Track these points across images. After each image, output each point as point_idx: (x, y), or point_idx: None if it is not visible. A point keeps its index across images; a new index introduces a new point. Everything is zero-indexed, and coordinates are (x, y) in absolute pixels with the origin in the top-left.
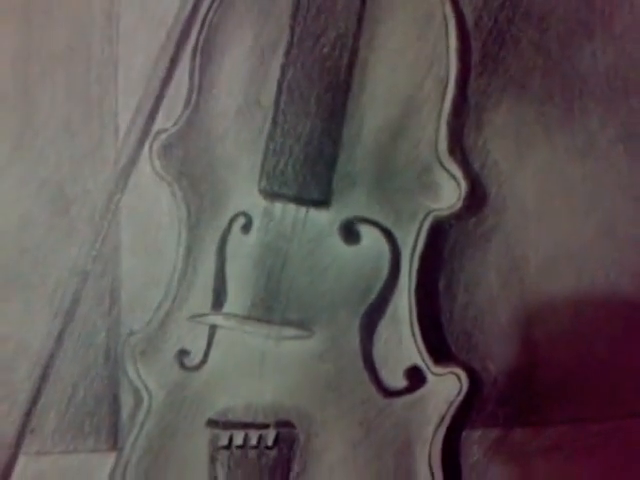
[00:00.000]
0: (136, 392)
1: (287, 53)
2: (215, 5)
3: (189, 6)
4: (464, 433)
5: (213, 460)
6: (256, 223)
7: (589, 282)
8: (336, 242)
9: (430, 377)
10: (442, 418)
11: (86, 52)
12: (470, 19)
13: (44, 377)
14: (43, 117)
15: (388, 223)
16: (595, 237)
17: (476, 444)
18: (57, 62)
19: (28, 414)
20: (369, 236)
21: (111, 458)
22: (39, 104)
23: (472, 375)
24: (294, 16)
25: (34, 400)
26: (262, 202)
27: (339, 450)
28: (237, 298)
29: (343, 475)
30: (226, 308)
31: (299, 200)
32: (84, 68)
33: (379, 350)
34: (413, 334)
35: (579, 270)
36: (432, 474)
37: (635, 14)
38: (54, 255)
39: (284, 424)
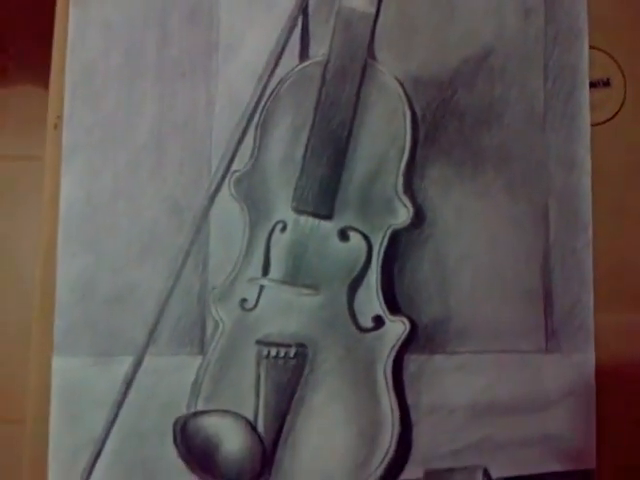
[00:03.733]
0: (215, 322)
1: (311, 129)
2: (270, 99)
3: (255, 99)
4: (405, 356)
5: (258, 365)
6: (289, 227)
7: (484, 269)
8: (335, 240)
9: (387, 322)
10: (393, 346)
11: (193, 124)
12: (419, 113)
13: (161, 312)
14: (169, 159)
15: (366, 231)
16: (486, 245)
17: (412, 362)
18: (177, 129)
19: (152, 332)
20: (355, 238)
21: (199, 359)
22: (166, 152)
23: (412, 322)
24: (316, 107)
25: (155, 324)
26: (293, 215)
27: (332, 362)
28: (276, 270)
29: (333, 378)
30: (270, 276)
31: (315, 215)
32: (193, 133)
33: (358, 304)
34: (378, 296)
35: (477, 262)
36: (386, 379)
37: (516, 114)
38: (171, 241)
39: (301, 345)
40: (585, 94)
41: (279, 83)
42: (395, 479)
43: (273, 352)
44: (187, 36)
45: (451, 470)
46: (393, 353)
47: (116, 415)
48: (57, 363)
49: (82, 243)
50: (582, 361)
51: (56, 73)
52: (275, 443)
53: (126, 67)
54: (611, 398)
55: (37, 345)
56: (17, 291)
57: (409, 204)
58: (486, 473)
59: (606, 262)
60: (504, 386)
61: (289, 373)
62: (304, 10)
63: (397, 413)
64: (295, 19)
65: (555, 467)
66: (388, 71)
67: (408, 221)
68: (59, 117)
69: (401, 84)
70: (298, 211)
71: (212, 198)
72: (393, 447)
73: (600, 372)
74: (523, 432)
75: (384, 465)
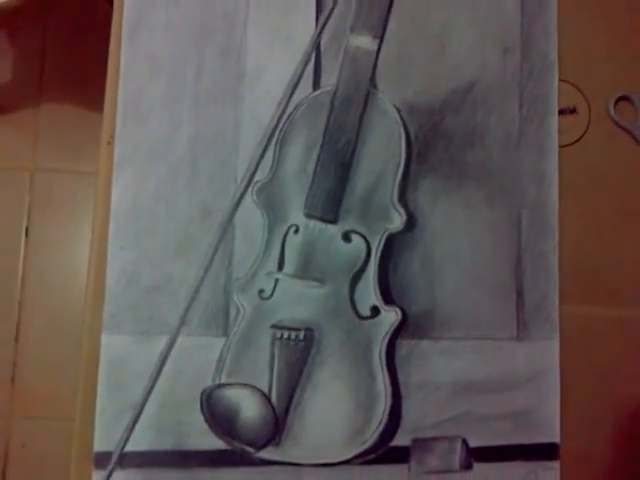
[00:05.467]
0: (237, 308)
1: (321, 147)
2: (287, 122)
3: (275, 121)
4: (397, 341)
5: (272, 345)
6: (301, 229)
7: (465, 268)
8: (339, 241)
9: (382, 311)
10: (387, 332)
11: (223, 142)
12: (412, 135)
13: (192, 299)
14: (201, 171)
15: (366, 234)
16: (467, 247)
17: (403, 346)
18: (209, 146)
19: (184, 316)
20: (356, 239)
21: (223, 340)
22: (200, 165)
23: (403, 312)
24: (325, 129)
25: (187, 309)
26: (304, 219)
27: (335, 345)
28: (289, 266)
29: (336, 358)
30: (284, 270)
31: (322, 219)
32: (222, 149)
33: (358, 296)
34: (374, 289)
35: (459, 262)
36: (380, 360)
37: (495, 137)
38: (202, 240)
39: (309, 329)
40: (554, 120)
41: (295, 108)
42: (387, 445)
43: (285, 335)
44: (219, 68)
45: (435, 439)
46: (387, 338)
47: (153, 385)
48: (105, 340)
49: (128, 240)
50: (548, 347)
51: (109, 98)
52: (286, 412)
53: (167, 94)
54: (573, 379)
55: (89, 325)
56: (72, 289)
57: (403, 212)
58: (465, 442)
59: (570, 263)
60: (481, 368)
61: (298, 353)
62: (317, 47)
63: (389, 389)
64: (309, 54)
65: (524, 439)
66: (387, 99)
67: (401, 226)
68: (112, 135)
69: (398, 110)
70: (309, 216)
71: (237, 204)
72: (386, 418)
73: (564, 357)
74: (497, 408)
75: (378, 433)
